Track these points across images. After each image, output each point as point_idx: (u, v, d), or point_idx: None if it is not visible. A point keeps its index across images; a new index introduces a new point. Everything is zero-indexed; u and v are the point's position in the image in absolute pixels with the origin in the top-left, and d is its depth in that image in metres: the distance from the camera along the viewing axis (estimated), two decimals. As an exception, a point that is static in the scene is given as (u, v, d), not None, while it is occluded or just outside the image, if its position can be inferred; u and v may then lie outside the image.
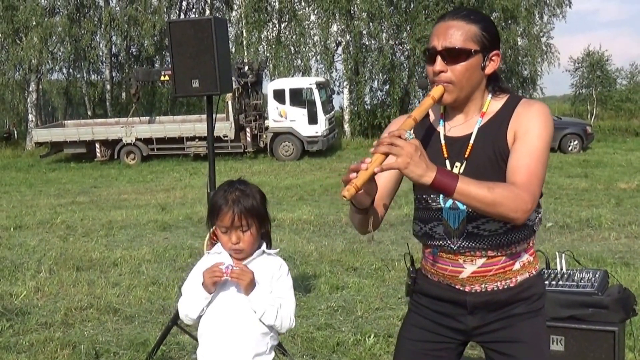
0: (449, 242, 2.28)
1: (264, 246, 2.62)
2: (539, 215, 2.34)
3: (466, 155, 2.25)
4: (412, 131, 2.08)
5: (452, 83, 2.22)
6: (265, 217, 2.60)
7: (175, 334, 5.12)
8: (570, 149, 22.50)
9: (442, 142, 2.32)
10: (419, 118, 2.19)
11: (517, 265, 2.28)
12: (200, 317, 2.58)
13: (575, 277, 3.68)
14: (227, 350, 2.52)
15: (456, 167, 2.26)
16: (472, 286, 2.29)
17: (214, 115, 5.17)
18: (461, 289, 2.31)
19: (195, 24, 5.06)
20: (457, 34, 2.20)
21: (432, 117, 2.41)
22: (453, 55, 2.20)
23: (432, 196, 2.31)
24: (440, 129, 2.35)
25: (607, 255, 7.65)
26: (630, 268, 7.06)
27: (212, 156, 5.16)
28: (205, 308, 2.55)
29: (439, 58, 2.21)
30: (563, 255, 3.86)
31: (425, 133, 2.37)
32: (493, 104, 2.30)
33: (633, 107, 33.98)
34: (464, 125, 2.31)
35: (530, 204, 2.10)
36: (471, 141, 2.26)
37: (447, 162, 2.28)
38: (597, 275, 3.69)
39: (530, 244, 2.33)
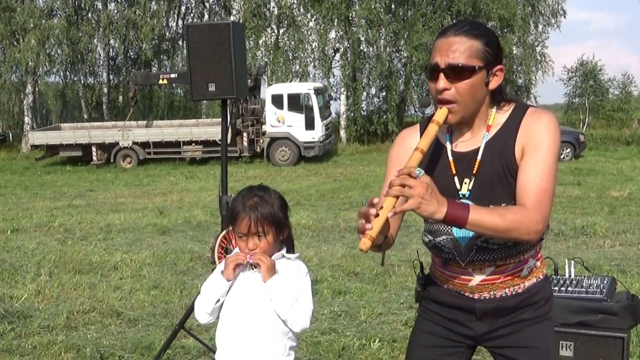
0: (458, 258, 2.30)
1: (283, 250, 2.63)
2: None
3: (474, 172, 2.24)
4: (420, 167, 2.08)
5: (456, 101, 2.19)
6: (284, 224, 2.60)
7: (180, 337, 5.12)
8: (563, 157, 22.60)
9: (450, 158, 2.31)
10: (426, 149, 2.17)
11: (524, 272, 2.30)
12: (215, 312, 2.59)
13: (584, 284, 3.72)
14: (245, 351, 2.53)
15: (465, 183, 2.26)
16: (481, 293, 2.31)
17: (228, 119, 5.20)
18: (470, 296, 2.33)
19: (214, 28, 5.05)
20: (460, 50, 2.16)
21: (438, 132, 2.32)
22: (456, 73, 2.16)
23: None
24: (447, 144, 2.34)
25: (604, 263, 7.70)
26: (626, 275, 7.11)
27: (224, 160, 5.14)
28: (222, 299, 2.56)
29: (442, 75, 2.17)
30: (572, 262, 3.89)
31: (434, 149, 2.34)
32: (499, 117, 2.28)
33: (625, 116, 34.20)
34: (471, 140, 2.29)
35: (542, 225, 2.11)
36: (479, 157, 2.25)
37: (456, 178, 2.28)
38: (605, 282, 3.72)
39: (538, 250, 2.35)
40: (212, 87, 4.93)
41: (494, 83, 2.23)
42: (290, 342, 2.60)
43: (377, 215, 2.00)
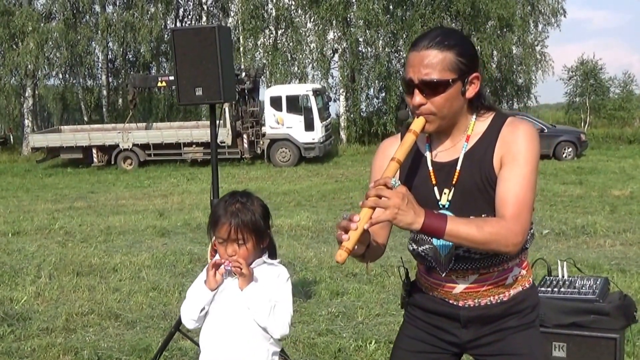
0: (438, 268, 2.30)
1: (265, 256, 2.61)
2: (531, 231, 2.32)
3: (454, 182, 2.23)
4: (397, 177, 2.09)
5: (434, 114, 2.17)
6: (265, 232, 2.58)
7: (177, 339, 5.14)
8: (564, 156, 22.67)
9: (430, 168, 2.30)
10: (402, 159, 2.16)
11: (509, 280, 2.29)
12: (201, 319, 2.59)
13: (577, 284, 3.72)
14: (226, 357, 2.54)
15: (445, 194, 2.24)
16: (465, 301, 2.30)
17: (217, 123, 5.19)
18: (455, 303, 2.31)
19: (199, 32, 5.06)
20: (432, 64, 2.12)
21: (418, 141, 2.33)
22: (431, 88, 2.13)
23: None
24: (427, 154, 2.33)
25: (604, 262, 7.69)
26: (626, 275, 7.11)
27: (215, 164, 5.18)
28: (207, 307, 2.56)
29: (416, 91, 2.16)
30: (565, 263, 3.90)
31: (413, 159, 2.34)
32: (478, 125, 2.26)
33: (626, 115, 34.16)
34: (451, 150, 2.28)
35: (521, 236, 2.10)
36: (458, 167, 2.23)
37: (436, 188, 2.26)
38: (597, 282, 3.73)
39: (523, 258, 2.33)
40: (199, 92, 4.93)
41: (471, 92, 2.21)
42: (272, 347, 2.59)
43: (356, 228, 2.00)
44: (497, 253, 2.19)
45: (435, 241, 2.27)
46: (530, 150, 2.16)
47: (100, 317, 6.19)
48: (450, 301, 2.33)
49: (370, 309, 6.12)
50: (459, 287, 2.30)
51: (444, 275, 2.29)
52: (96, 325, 5.98)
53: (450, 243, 2.21)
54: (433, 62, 2.13)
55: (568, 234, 9.73)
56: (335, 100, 31.32)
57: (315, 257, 8.36)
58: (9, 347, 5.39)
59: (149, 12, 32.31)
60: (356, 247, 2.05)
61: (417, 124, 2.20)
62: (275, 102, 23.76)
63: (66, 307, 6.47)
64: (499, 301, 2.29)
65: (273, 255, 2.67)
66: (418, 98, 2.16)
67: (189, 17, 36.65)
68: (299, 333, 5.46)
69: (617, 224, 10.30)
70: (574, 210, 12.11)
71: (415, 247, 2.39)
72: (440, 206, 2.24)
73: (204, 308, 2.56)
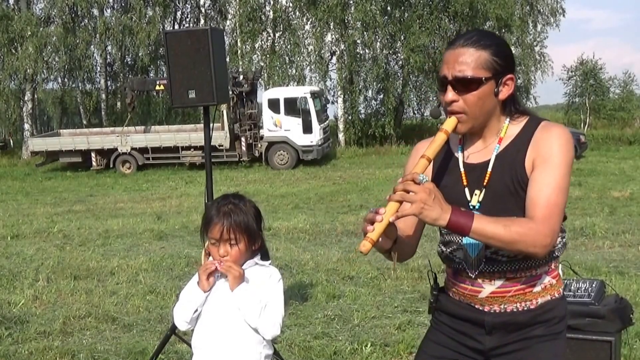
0: (467, 270, 2.28)
1: (256, 258, 2.63)
2: (563, 240, 2.31)
3: (485, 183, 2.22)
4: (425, 174, 2.09)
5: (465, 113, 2.18)
6: (257, 234, 2.60)
7: (173, 342, 5.14)
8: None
9: (462, 169, 2.30)
10: (432, 157, 2.17)
11: (537, 288, 2.26)
12: (194, 321, 2.60)
13: (572, 287, 3.70)
14: (219, 358, 2.55)
15: (475, 194, 2.24)
16: (491, 306, 2.27)
17: (210, 125, 5.19)
18: (480, 308, 2.29)
19: (192, 35, 5.07)
20: (467, 62, 2.14)
21: (451, 143, 2.35)
22: (464, 85, 2.15)
23: None
24: (459, 155, 2.33)
25: (602, 264, 7.67)
26: (624, 277, 7.09)
27: (209, 167, 5.18)
28: (199, 309, 2.57)
29: (450, 87, 2.17)
30: (560, 265, 3.88)
31: (444, 159, 2.34)
32: (511, 128, 2.25)
33: (626, 115, 34.10)
34: (483, 151, 2.27)
35: (550, 238, 2.08)
36: (489, 168, 2.23)
37: (467, 189, 2.26)
38: (593, 285, 3.71)
39: (552, 267, 2.30)
40: (192, 94, 4.94)
41: (504, 93, 2.21)
42: (265, 350, 2.61)
43: (381, 220, 2.02)
44: (526, 256, 2.18)
45: (464, 240, 2.26)
46: (563, 153, 2.14)
47: (97, 320, 6.20)
48: (476, 306, 2.30)
49: (366, 312, 6.12)
50: (485, 291, 2.27)
51: (474, 276, 2.27)
52: (93, 329, 5.99)
53: (480, 244, 2.20)
54: (468, 59, 2.15)
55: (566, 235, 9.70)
56: (333, 103, 31.38)
57: (312, 260, 8.35)
58: (6, 350, 5.41)
59: (147, 16, 32.31)
60: (381, 239, 2.06)
61: (449, 123, 2.21)
62: (273, 105, 23.79)
63: (63, 311, 6.48)
64: (525, 309, 2.25)
65: (265, 257, 2.68)
66: (450, 94, 2.17)
67: (187, 20, 36.75)
68: (294, 336, 5.46)
69: (616, 226, 10.27)
70: (573, 211, 12.07)
71: (444, 249, 2.38)
72: (471, 207, 2.24)
73: (196, 310, 2.58)
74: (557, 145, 2.14)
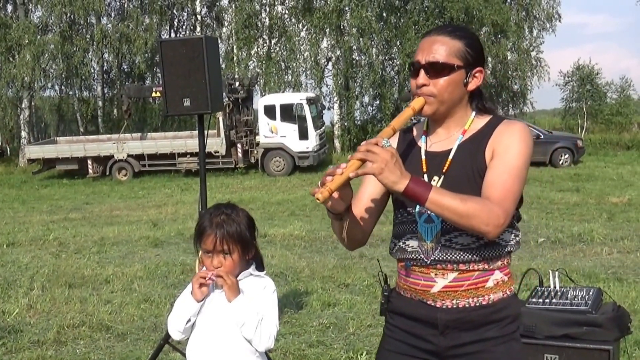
0: (422, 255, 2.28)
1: (251, 268, 2.62)
2: (517, 238, 2.34)
3: (444, 170, 2.28)
4: (389, 139, 2.14)
5: (434, 96, 2.26)
6: (250, 243, 2.60)
7: (167, 351, 5.11)
8: (561, 162, 22.56)
9: (423, 157, 2.36)
10: (397, 127, 2.25)
11: (490, 283, 2.27)
12: (187, 330, 2.59)
13: (569, 295, 3.65)
14: None
15: (434, 181, 2.28)
16: (443, 301, 2.27)
17: (205, 133, 5.17)
18: (432, 304, 2.28)
19: (187, 43, 5.10)
20: (441, 49, 2.24)
21: (415, 133, 2.45)
22: (436, 70, 2.24)
23: (408, 209, 2.34)
24: (422, 144, 2.39)
25: (600, 271, 7.65)
26: (623, 283, 7.07)
27: (203, 175, 5.18)
28: (193, 318, 2.56)
29: (422, 72, 2.25)
30: (557, 272, 3.84)
31: (407, 148, 2.42)
32: (476, 122, 2.33)
33: (624, 120, 34.05)
34: (445, 141, 2.34)
35: (503, 219, 2.12)
36: (450, 156, 2.29)
37: (426, 176, 2.31)
38: (590, 293, 3.66)
39: (505, 263, 2.32)
40: (186, 102, 4.96)
41: (473, 84, 2.30)
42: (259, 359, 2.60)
43: (341, 174, 2.07)
44: (479, 246, 2.22)
45: (420, 227, 2.29)
46: (523, 146, 2.22)
47: (91, 329, 6.19)
48: (429, 302, 2.30)
49: (361, 320, 6.10)
50: (438, 286, 2.28)
51: (428, 262, 2.27)
52: (87, 338, 5.99)
53: (435, 230, 2.25)
54: (442, 47, 2.25)
55: (564, 242, 9.69)
56: (329, 109, 31.34)
57: (308, 267, 8.33)
58: (-1, 360, 5.38)
59: (144, 24, 32.37)
60: (335, 196, 2.10)
61: (417, 102, 2.28)
62: (269, 111, 23.75)
63: (57, 320, 6.46)
64: (477, 305, 2.26)
65: (260, 267, 2.67)
66: (422, 79, 2.26)
67: (184, 27, 36.77)
68: (289, 344, 5.43)
69: (614, 232, 10.26)
70: (571, 217, 12.07)
71: (396, 242, 2.40)
72: None
73: (189, 319, 2.56)
74: (518, 138, 2.22)
